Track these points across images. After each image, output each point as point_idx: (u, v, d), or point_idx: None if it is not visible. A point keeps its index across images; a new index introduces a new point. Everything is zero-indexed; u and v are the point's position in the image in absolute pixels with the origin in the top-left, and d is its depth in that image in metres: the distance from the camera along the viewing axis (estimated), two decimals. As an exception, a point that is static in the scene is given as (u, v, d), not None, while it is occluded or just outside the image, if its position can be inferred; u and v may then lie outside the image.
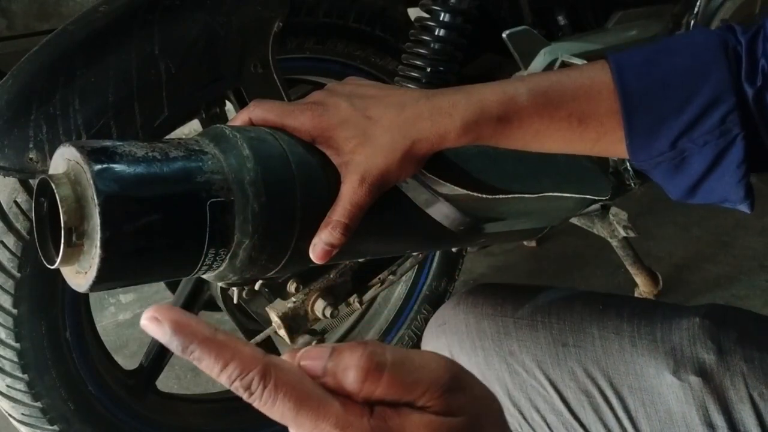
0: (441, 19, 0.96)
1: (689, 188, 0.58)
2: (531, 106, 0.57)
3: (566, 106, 0.57)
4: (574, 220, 1.49)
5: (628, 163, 1.27)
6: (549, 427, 0.71)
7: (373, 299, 1.09)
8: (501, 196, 0.63)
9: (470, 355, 0.73)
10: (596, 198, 0.73)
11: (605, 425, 0.68)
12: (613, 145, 0.58)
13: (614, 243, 1.59)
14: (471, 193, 0.61)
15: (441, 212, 0.62)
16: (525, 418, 0.71)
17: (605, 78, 0.57)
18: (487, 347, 0.73)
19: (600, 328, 0.69)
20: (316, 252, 0.55)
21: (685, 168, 0.56)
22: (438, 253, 1.35)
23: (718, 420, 0.63)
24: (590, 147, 0.59)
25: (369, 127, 0.56)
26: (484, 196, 0.61)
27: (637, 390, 0.66)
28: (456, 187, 0.60)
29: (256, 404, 0.32)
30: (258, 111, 0.57)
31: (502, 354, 0.72)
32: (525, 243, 1.90)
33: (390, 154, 0.55)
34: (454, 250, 1.31)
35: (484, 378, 0.72)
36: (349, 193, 0.55)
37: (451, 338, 0.75)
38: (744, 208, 0.58)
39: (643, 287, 1.65)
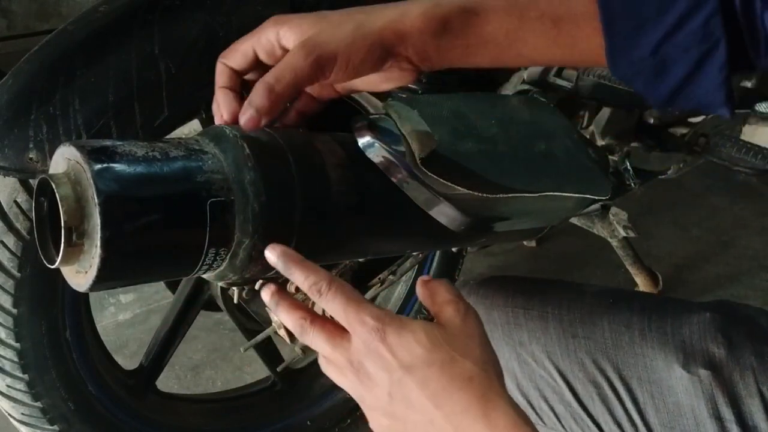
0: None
1: (670, 94, 0.56)
2: (496, 1, 0.56)
3: (537, 5, 0.56)
4: (574, 220, 1.49)
5: (628, 163, 1.27)
6: (557, 418, 0.71)
7: (373, 299, 1.09)
8: (501, 195, 0.63)
9: None
10: (596, 198, 0.73)
11: (613, 416, 0.68)
12: (591, 52, 0.57)
13: (614, 243, 1.60)
14: (471, 192, 0.61)
15: (441, 212, 0.62)
16: (533, 408, 0.72)
17: None
18: (496, 338, 0.74)
19: (610, 320, 0.70)
20: (242, 116, 0.52)
21: (667, 74, 0.55)
22: (438, 253, 1.35)
23: (727, 413, 0.63)
24: (568, 54, 0.58)
25: (326, 13, 0.54)
26: (485, 195, 0.61)
27: (646, 382, 0.67)
28: (456, 187, 0.60)
29: (322, 303, 0.50)
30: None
31: (511, 344, 0.73)
32: (525, 243, 1.90)
33: (340, 26, 0.53)
34: (454, 249, 1.31)
35: None
36: (290, 54, 0.52)
37: None
38: (723, 111, 0.56)
39: (643, 287, 1.65)
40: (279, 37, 0.54)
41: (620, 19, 0.54)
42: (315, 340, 0.51)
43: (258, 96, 0.51)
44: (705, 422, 0.64)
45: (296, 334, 0.52)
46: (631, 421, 0.67)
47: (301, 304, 0.53)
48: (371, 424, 0.53)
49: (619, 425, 0.68)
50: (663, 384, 0.66)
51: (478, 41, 0.56)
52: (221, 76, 0.57)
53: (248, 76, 0.57)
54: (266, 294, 0.54)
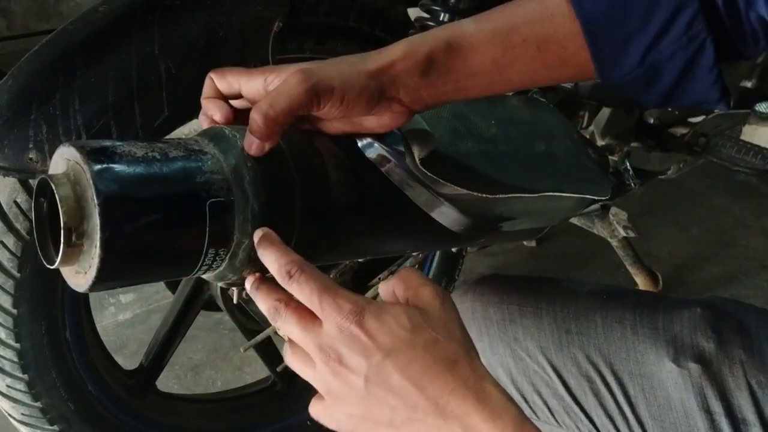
0: (441, 19, 0.96)
1: (664, 96, 0.57)
2: (479, 32, 0.56)
3: (519, 31, 0.56)
4: (574, 220, 1.49)
5: (628, 163, 1.27)
6: (551, 412, 0.72)
7: (373, 299, 1.09)
8: (501, 195, 0.63)
9: (475, 341, 0.74)
10: (596, 198, 0.73)
11: (605, 410, 0.69)
12: (580, 69, 0.57)
13: (614, 243, 1.60)
14: (471, 192, 0.61)
15: (441, 212, 0.62)
16: (527, 403, 0.73)
17: (558, 0, 0.56)
18: (492, 334, 0.74)
19: (603, 316, 0.71)
20: (246, 142, 0.51)
21: (658, 79, 0.56)
22: (438, 253, 1.35)
23: (716, 406, 0.64)
24: (557, 73, 0.58)
25: (320, 62, 0.55)
26: (484, 195, 0.61)
27: (637, 376, 0.68)
28: (456, 187, 0.60)
29: (292, 288, 0.48)
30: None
31: (506, 340, 0.73)
32: (525, 243, 1.90)
33: (335, 67, 0.55)
34: (454, 250, 1.31)
35: (489, 363, 0.74)
36: (287, 81, 0.52)
37: None
38: (721, 107, 0.57)
39: (643, 287, 1.65)
40: (266, 84, 0.54)
41: (604, 34, 0.55)
42: (286, 323, 0.49)
43: (254, 123, 0.51)
44: (695, 415, 0.65)
45: (270, 319, 0.50)
46: (622, 414, 0.68)
47: (281, 289, 0.50)
48: (332, 419, 0.51)
49: (611, 419, 0.69)
50: (654, 378, 0.67)
51: (466, 74, 0.57)
52: (209, 89, 0.57)
53: (233, 102, 0.58)
54: (248, 281, 0.52)
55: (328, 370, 0.48)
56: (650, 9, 0.54)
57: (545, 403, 0.72)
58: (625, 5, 0.55)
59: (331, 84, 0.53)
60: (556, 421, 0.72)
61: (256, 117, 0.50)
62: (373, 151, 0.59)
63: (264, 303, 0.51)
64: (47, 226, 0.49)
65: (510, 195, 0.64)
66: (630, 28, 0.54)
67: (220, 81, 0.56)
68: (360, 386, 0.47)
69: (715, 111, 1.40)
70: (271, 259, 0.49)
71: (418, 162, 0.59)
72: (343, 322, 0.47)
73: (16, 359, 0.93)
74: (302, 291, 0.48)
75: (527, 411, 0.73)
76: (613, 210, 1.43)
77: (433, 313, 0.49)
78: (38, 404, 0.96)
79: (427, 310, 0.49)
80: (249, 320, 1.14)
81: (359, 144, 0.59)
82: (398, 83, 0.55)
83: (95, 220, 0.45)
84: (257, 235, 0.50)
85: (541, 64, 0.57)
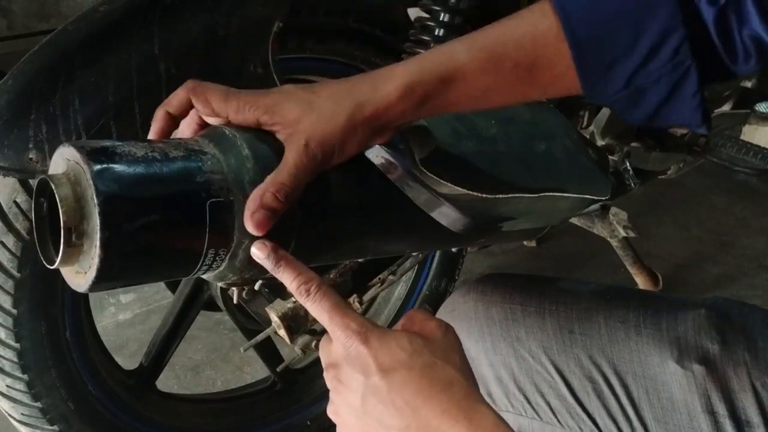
0: (441, 19, 0.96)
1: (647, 117, 0.58)
2: (472, 62, 0.56)
3: (510, 56, 0.56)
4: (574, 220, 1.49)
5: (628, 163, 1.27)
6: (553, 412, 0.72)
7: (373, 299, 1.09)
8: (501, 195, 0.63)
9: (478, 341, 0.75)
10: (596, 198, 0.73)
11: (608, 411, 0.69)
12: (567, 87, 0.58)
13: (614, 243, 1.60)
14: (471, 193, 0.61)
15: (441, 212, 0.62)
16: (530, 403, 0.73)
17: (548, 22, 0.56)
18: (494, 333, 0.74)
19: (606, 317, 0.71)
20: (254, 220, 0.51)
21: (641, 102, 0.56)
22: (438, 253, 1.35)
23: (720, 408, 0.64)
24: (543, 92, 0.59)
25: (312, 99, 0.55)
26: (484, 195, 0.61)
27: (640, 377, 0.68)
28: (456, 187, 0.60)
29: (308, 303, 0.50)
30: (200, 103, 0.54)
31: (509, 340, 0.73)
32: (525, 243, 1.90)
33: (333, 118, 0.54)
34: (454, 249, 1.31)
35: (491, 363, 0.74)
36: (294, 157, 0.53)
37: (459, 324, 0.76)
38: (702, 130, 0.58)
39: (643, 287, 1.65)
40: (238, 111, 0.55)
41: (592, 57, 0.55)
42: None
43: (278, 202, 0.51)
44: (698, 417, 0.65)
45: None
46: (625, 415, 0.68)
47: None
48: None
49: (614, 420, 0.69)
50: (657, 379, 0.67)
51: (455, 102, 0.57)
52: (180, 105, 0.57)
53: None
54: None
55: (332, 387, 0.50)
56: (637, 34, 0.54)
57: (548, 404, 0.72)
58: (613, 29, 0.55)
59: (331, 146, 0.54)
60: (559, 421, 0.72)
61: (267, 195, 0.51)
62: (373, 152, 0.59)
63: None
64: (47, 226, 0.49)
65: (510, 195, 0.64)
66: (617, 53, 0.55)
67: (198, 101, 0.56)
68: (357, 405, 0.49)
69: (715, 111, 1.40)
70: (290, 278, 0.50)
71: (418, 162, 0.59)
72: (347, 341, 0.48)
73: (16, 359, 0.93)
74: (316, 307, 0.50)
75: (529, 411, 0.73)
76: (613, 210, 1.43)
77: (434, 341, 0.51)
78: (38, 404, 0.96)
79: (429, 338, 0.51)
80: (249, 320, 1.14)
81: (359, 144, 0.59)
82: (392, 120, 0.56)
83: (95, 220, 0.45)
84: (263, 250, 0.50)
85: (529, 85, 0.58)
